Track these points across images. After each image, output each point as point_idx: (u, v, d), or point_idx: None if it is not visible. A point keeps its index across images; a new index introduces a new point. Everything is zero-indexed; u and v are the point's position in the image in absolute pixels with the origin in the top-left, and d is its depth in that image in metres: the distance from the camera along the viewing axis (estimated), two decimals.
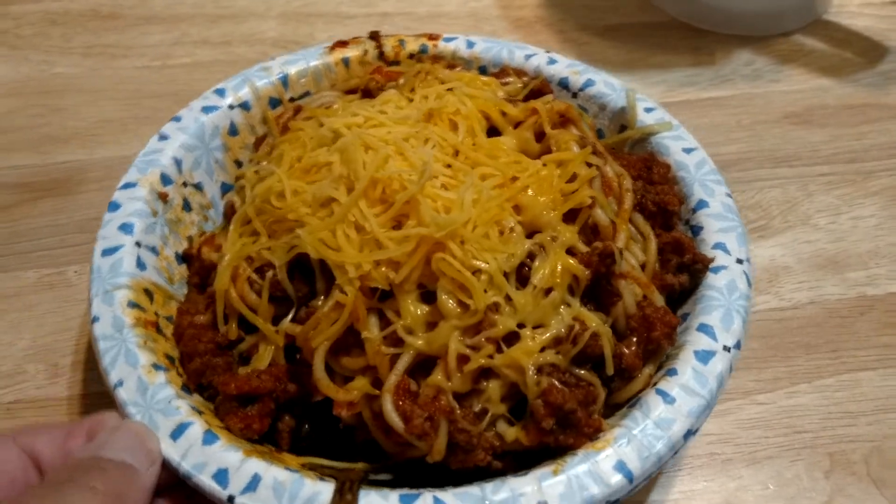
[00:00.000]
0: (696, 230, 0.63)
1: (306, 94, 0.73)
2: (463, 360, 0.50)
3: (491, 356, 0.50)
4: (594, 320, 0.53)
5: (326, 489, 0.47)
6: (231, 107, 0.69)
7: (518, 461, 0.52)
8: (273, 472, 0.47)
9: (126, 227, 0.59)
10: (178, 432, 0.48)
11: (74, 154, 0.87)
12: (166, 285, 0.60)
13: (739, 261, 0.60)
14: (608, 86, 0.73)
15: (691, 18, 1.03)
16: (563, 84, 0.74)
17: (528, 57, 0.75)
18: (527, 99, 0.67)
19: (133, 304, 0.55)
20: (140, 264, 0.58)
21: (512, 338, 0.51)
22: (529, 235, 0.55)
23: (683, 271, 0.60)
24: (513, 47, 0.76)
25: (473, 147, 0.59)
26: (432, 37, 0.76)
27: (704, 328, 0.55)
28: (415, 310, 0.51)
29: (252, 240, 0.56)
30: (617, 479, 0.47)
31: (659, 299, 0.58)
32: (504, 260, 0.52)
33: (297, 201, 0.54)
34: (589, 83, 0.74)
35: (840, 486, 0.61)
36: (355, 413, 0.51)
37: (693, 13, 1.03)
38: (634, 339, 0.55)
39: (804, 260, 0.77)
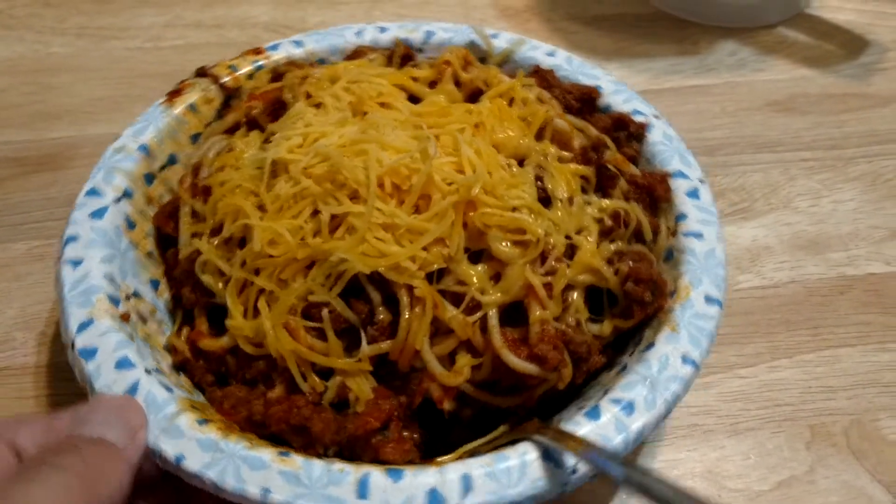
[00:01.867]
0: (606, 109, 0.70)
1: (170, 157, 0.67)
2: (545, 287, 0.53)
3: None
4: (618, 203, 0.60)
5: (529, 448, 0.48)
6: (117, 200, 0.61)
7: (613, 349, 0.58)
8: (473, 465, 0.47)
9: (124, 364, 0.51)
10: (363, 488, 0.46)
11: (66, 130, 0.87)
12: (192, 397, 0.54)
13: (656, 116, 0.68)
14: (446, 30, 0.76)
15: (676, 10, 1.04)
16: (408, 44, 0.75)
17: (358, 34, 0.75)
18: (400, 66, 0.70)
19: (203, 422, 0.49)
20: (168, 389, 0.51)
21: (567, 252, 0.56)
22: (519, 165, 0.59)
23: (632, 140, 0.66)
24: (340, 30, 0.75)
25: (422, 116, 0.61)
26: (258, 51, 0.73)
27: (677, 174, 0.64)
28: (475, 272, 0.53)
29: (265, 298, 0.53)
30: (714, 309, 0.56)
31: (634, 169, 0.64)
32: (530, 190, 0.56)
33: (297, 238, 0.53)
34: (429, 34, 0.76)
35: (821, 457, 0.62)
36: (455, 398, 0.52)
37: (678, 5, 1.04)
38: (640, 207, 0.61)
39: (785, 241, 0.78)
